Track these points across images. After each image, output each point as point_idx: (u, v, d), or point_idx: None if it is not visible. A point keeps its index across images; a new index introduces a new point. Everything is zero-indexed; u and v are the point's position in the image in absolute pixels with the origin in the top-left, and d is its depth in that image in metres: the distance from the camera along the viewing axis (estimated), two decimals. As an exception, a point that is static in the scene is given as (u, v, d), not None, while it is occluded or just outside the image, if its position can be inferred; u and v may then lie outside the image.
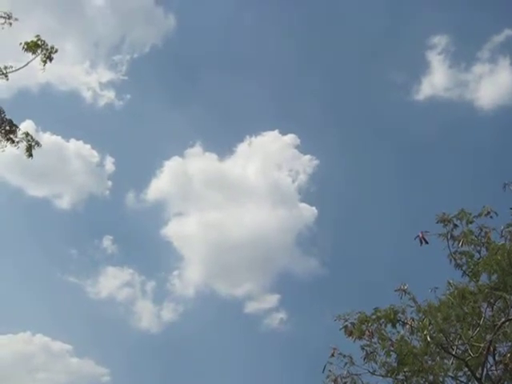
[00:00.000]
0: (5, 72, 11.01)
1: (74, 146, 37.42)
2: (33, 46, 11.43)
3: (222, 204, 37.52)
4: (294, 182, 36.16)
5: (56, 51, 11.58)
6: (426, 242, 12.95)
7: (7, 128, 11.09)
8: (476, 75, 35.03)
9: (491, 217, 12.89)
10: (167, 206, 37.58)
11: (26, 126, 12.04)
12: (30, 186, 36.81)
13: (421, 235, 12.93)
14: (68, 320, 34.02)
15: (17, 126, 11.22)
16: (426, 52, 35.92)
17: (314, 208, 35.11)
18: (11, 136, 11.12)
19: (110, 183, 37.09)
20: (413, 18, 37.08)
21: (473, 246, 12.96)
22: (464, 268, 13.08)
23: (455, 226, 13.04)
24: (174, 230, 36.03)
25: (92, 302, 34.51)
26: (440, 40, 35.29)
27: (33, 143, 11.28)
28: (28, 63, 11.40)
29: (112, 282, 34.87)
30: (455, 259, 13.12)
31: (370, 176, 35.67)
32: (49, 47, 11.53)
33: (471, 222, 13.00)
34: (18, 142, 11.20)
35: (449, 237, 13.05)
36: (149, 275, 35.52)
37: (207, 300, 34.60)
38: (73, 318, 34.16)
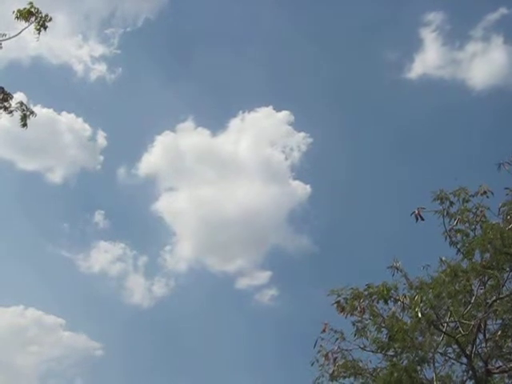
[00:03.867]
0: (-2, 39, 10.76)
1: (66, 119, 37.10)
2: (26, 14, 11.16)
3: (214, 180, 37.37)
4: (287, 159, 35.92)
5: (50, 19, 11.32)
6: (422, 219, 12.79)
7: (1, 96, 10.92)
8: (469, 54, 34.67)
9: (487, 196, 12.76)
10: (159, 181, 37.56)
11: (17, 97, 11.85)
12: (21, 159, 36.65)
13: (417, 212, 12.77)
14: (60, 294, 34.33)
15: (10, 94, 11.05)
16: (419, 29, 35.54)
17: (307, 186, 35.07)
18: (5, 104, 10.96)
19: (101, 158, 36.83)
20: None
21: (467, 225, 12.94)
22: (459, 246, 12.96)
23: (451, 203, 12.93)
24: (165, 206, 36.04)
25: (84, 276, 34.66)
26: (435, 17, 34.90)
27: (28, 113, 11.14)
28: (21, 31, 11.16)
29: (104, 256, 34.92)
30: (450, 237, 12.99)
31: (363, 154, 35.49)
32: (43, 15, 11.27)
33: (468, 201, 12.86)
34: (12, 111, 11.06)
35: (445, 214, 12.90)
36: (141, 250, 35.59)
37: (199, 275, 34.74)
38: (65, 292, 34.45)
